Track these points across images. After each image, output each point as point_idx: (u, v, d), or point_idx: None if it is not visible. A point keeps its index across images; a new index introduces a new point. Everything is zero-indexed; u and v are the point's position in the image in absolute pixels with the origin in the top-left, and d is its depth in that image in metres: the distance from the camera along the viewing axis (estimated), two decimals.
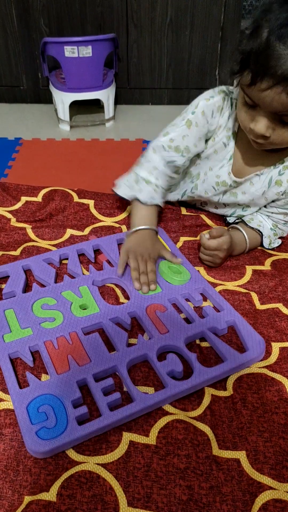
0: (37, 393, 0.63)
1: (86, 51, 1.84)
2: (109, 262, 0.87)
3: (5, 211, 0.99)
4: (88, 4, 1.98)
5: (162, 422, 0.62)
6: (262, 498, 0.55)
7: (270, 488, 0.56)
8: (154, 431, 0.61)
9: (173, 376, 0.67)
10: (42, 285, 0.82)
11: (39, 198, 1.04)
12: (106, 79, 1.99)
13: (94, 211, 1.01)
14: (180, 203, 1.05)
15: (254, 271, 0.88)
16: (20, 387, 0.64)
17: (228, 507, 0.54)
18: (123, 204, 1.03)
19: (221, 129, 0.87)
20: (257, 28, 0.67)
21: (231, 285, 0.85)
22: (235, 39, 2.03)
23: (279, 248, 0.95)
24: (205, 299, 0.81)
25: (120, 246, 0.91)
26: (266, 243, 0.93)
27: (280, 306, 0.80)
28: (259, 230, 0.92)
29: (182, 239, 0.95)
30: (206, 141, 0.90)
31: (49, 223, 0.98)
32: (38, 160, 1.73)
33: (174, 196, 1.02)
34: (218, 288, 0.83)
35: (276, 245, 0.95)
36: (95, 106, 2.07)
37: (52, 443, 0.58)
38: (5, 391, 0.65)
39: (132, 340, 0.73)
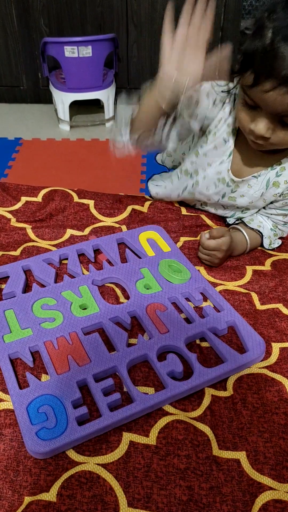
0: (37, 393, 0.63)
1: (86, 51, 1.84)
2: (109, 262, 0.88)
3: (5, 211, 0.99)
4: (88, 4, 1.98)
5: (162, 422, 0.62)
6: (262, 499, 0.55)
7: (270, 488, 0.56)
8: (154, 432, 0.61)
9: (173, 376, 0.67)
10: (42, 285, 0.82)
11: (39, 198, 1.04)
12: (106, 79, 1.99)
13: (94, 211, 1.01)
14: (180, 203, 1.05)
15: (254, 271, 0.88)
16: (20, 388, 0.64)
17: (228, 508, 0.54)
18: (123, 204, 1.03)
19: (221, 123, 0.87)
20: (261, 28, 0.66)
21: (231, 285, 0.85)
22: (235, 39, 2.03)
23: (279, 249, 0.95)
24: (205, 299, 0.81)
25: (120, 246, 0.91)
26: (266, 243, 0.93)
27: (280, 306, 0.80)
28: (259, 231, 0.92)
29: (182, 239, 0.95)
30: (206, 135, 0.89)
31: (49, 223, 0.98)
32: (38, 160, 1.73)
33: (174, 192, 1.02)
34: (218, 288, 0.83)
35: (276, 245, 0.95)
36: (95, 106, 2.08)
37: (52, 444, 0.57)
38: (5, 391, 0.65)
39: (132, 340, 0.73)
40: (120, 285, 0.84)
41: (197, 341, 0.73)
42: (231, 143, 0.87)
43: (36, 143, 1.87)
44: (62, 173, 1.64)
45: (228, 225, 0.99)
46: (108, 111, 2.02)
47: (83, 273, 0.84)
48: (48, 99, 2.17)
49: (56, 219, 0.99)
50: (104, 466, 0.57)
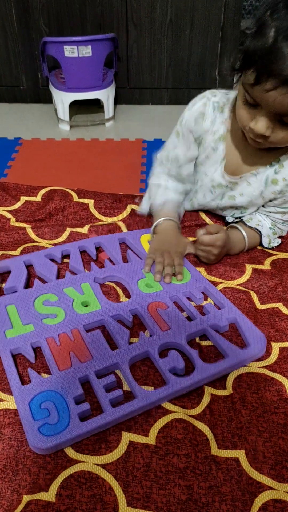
0: (39, 389, 0.63)
1: (86, 51, 1.84)
2: (110, 261, 0.88)
3: (5, 210, 0.99)
4: (88, 3, 1.98)
5: (162, 422, 0.62)
6: (262, 498, 0.55)
7: (270, 488, 0.56)
8: (154, 431, 0.61)
9: (174, 373, 0.67)
10: (44, 281, 0.82)
11: (38, 198, 1.03)
12: (106, 79, 1.99)
13: (93, 211, 1.01)
14: None
15: (254, 270, 0.88)
16: (22, 384, 0.64)
17: (228, 507, 0.54)
18: (122, 203, 1.03)
19: (207, 134, 0.88)
20: (263, 27, 0.66)
21: (231, 284, 0.85)
22: (235, 39, 2.03)
23: (279, 248, 0.95)
24: (205, 298, 0.81)
25: (122, 245, 0.92)
26: (265, 242, 0.93)
27: (280, 306, 0.80)
28: (258, 230, 0.92)
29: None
30: (199, 146, 0.92)
31: (49, 222, 0.98)
32: (37, 160, 1.73)
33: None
34: (219, 287, 0.83)
35: (275, 244, 0.95)
36: (95, 106, 2.08)
37: (55, 439, 0.58)
38: (5, 390, 0.65)
39: (134, 339, 0.73)
40: (121, 284, 0.84)
41: (197, 340, 0.73)
42: (221, 149, 0.88)
43: (36, 143, 1.87)
44: (62, 173, 1.64)
45: (227, 223, 0.99)
46: (108, 111, 2.02)
47: (84, 271, 0.84)
48: (48, 99, 2.17)
49: (55, 218, 0.99)
50: (103, 466, 0.57)
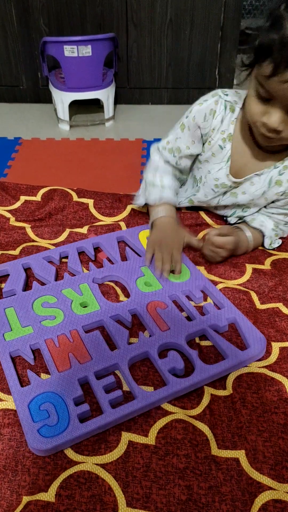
0: (39, 391, 0.63)
1: (86, 51, 1.83)
2: (109, 260, 0.87)
3: (4, 210, 0.99)
4: (88, 3, 1.98)
5: (162, 422, 0.62)
6: (262, 499, 0.55)
7: (270, 488, 0.56)
8: (153, 431, 0.61)
9: (174, 373, 0.67)
10: (42, 283, 0.82)
11: (38, 198, 1.03)
12: (105, 78, 1.98)
13: (93, 211, 1.01)
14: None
15: (254, 270, 0.88)
16: (21, 385, 0.64)
17: (228, 507, 0.54)
18: (122, 203, 1.03)
19: (215, 132, 0.87)
20: (278, 20, 0.66)
21: (231, 284, 0.84)
22: (235, 39, 2.03)
23: (279, 248, 0.95)
24: (205, 297, 0.81)
25: (120, 244, 0.91)
26: (267, 243, 0.93)
27: (280, 305, 0.80)
28: (261, 230, 0.92)
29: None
30: (203, 144, 0.91)
31: (49, 222, 0.97)
32: (37, 160, 1.73)
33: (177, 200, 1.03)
34: (218, 287, 0.83)
35: (276, 245, 0.95)
36: (95, 105, 2.07)
37: (54, 441, 0.57)
38: (4, 390, 0.65)
39: (133, 339, 0.73)
40: (120, 283, 0.84)
41: (197, 340, 0.73)
42: (228, 148, 0.88)
43: (36, 143, 1.87)
44: (61, 172, 1.64)
45: (229, 225, 0.98)
46: (108, 110, 2.01)
47: (83, 271, 0.84)
48: (47, 99, 2.16)
49: (55, 218, 0.98)
50: (103, 466, 0.57)
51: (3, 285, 0.81)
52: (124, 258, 0.88)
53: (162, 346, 0.71)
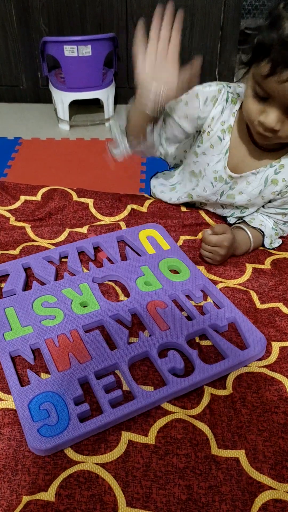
0: (38, 390, 0.63)
1: (86, 51, 1.83)
2: (109, 260, 0.87)
3: (4, 210, 0.99)
4: (88, 3, 1.98)
5: (162, 421, 0.62)
6: (262, 498, 0.55)
7: (270, 488, 0.56)
8: (153, 431, 0.61)
9: (174, 373, 0.67)
10: (42, 283, 0.82)
11: (38, 197, 1.03)
12: (105, 78, 1.99)
13: (93, 210, 1.01)
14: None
15: (254, 269, 0.88)
16: (21, 385, 0.64)
17: (228, 507, 0.54)
18: (122, 203, 1.03)
19: (214, 122, 0.87)
20: (277, 19, 0.66)
21: (230, 283, 0.84)
22: (235, 39, 2.03)
23: (279, 248, 0.95)
24: (205, 297, 0.81)
25: (120, 243, 0.91)
26: (267, 243, 0.93)
27: (280, 305, 0.80)
28: (261, 230, 0.92)
29: (182, 237, 0.95)
30: (200, 133, 0.90)
31: (48, 222, 0.97)
32: (37, 159, 1.73)
33: (174, 195, 1.02)
34: (218, 286, 0.83)
35: (276, 244, 0.95)
36: (95, 105, 2.07)
37: (54, 440, 0.57)
38: (4, 390, 0.65)
39: (133, 339, 0.73)
40: (120, 283, 0.84)
41: (197, 340, 0.73)
42: (227, 140, 0.87)
43: (36, 143, 1.87)
44: (61, 172, 1.64)
45: (229, 225, 0.98)
46: (108, 110, 2.02)
47: (83, 271, 0.84)
48: (47, 99, 2.16)
49: (55, 218, 0.98)
50: (103, 465, 0.57)
51: (3, 285, 0.81)
52: (124, 257, 0.88)
53: (162, 345, 0.71)
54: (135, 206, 1.02)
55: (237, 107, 0.86)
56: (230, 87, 0.86)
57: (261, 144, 0.84)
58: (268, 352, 0.72)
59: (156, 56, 0.79)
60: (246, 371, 0.69)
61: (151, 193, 1.10)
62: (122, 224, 0.98)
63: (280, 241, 0.95)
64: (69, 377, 0.65)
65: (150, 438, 0.60)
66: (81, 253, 0.90)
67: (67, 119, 1.99)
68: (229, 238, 0.84)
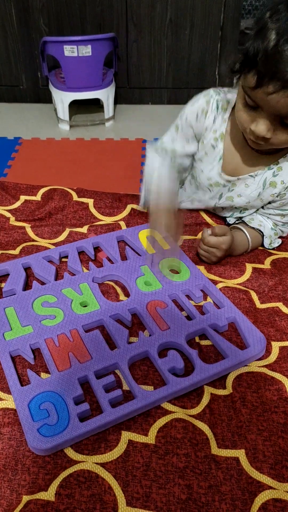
0: (38, 390, 0.63)
1: (86, 51, 1.83)
2: (109, 259, 0.87)
3: (4, 210, 0.99)
4: (88, 3, 1.98)
5: (161, 421, 0.62)
6: (262, 498, 0.55)
7: (270, 487, 0.56)
8: (153, 431, 0.61)
9: (174, 373, 0.67)
10: (42, 283, 0.82)
11: (38, 197, 1.03)
12: (105, 78, 1.99)
13: (93, 210, 1.01)
14: None
15: (254, 269, 0.88)
16: (21, 385, 0.64)
17: (227, 506, 0.54)
18: (122, 203, 1.03)
19: (207, 131, 0.88)
20: (263, 29, 0.66)
21: (230, 283, 0.84)
22: (235, 39, 2.03)
23: (279, 248, 0.95)
24: (205, 296, 0.81)
25: (120, 243, 0.92)
26: (266, 243, 0.93)
27: (280, 305, 0.80)
28: (260, 230, 0.92)
29: (182, 237, 0.95)
30: (198, 142, 0.91)
31: (48, 222, 0.98)
32: (37, 159, 1.73)
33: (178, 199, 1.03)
34: (218, 286, 0.83)
35: (276, 245, 0.95)
36: (95, 105, 2.07)
37: (54, 440, 0.57)
38: (4, 390, 0.65)
39: (133, 339, 0.73)
40: (120, 283, 0.84)
41: (197, 340, 0.73)
42: (220, 148, 0.88)
43: (36, 143, 1.87)
44: (61, 172, 1.64)
45: (228, 225, 0.98)
46: (108, 110, 2.02)
47: (83, 271, 0.84)
48: (47, 99, 2.16)
49: (55, 218, 0.98)
50: (103, 465, 0.57)
51: (3, 284, 0.81)
52: (124, 257, 0.88)
53: (162, 345, 0.71)
54: (135, 206, 1.02)
55: (228, 113, 0.87)
56: (219, 94, 0.87)
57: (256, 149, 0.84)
58: (268, 352, 0.72)
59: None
60: (246, 371, 0.69)
61: None
62: (122, 224, 0.98)
63: (280, 241, 0.95)
64: (69, 377, 0.65)
65: (150, 438, 0.60)
66: (81, 253, 0.90)
67: (67, 119, 1.99)
68: (228, 241, 0.84)
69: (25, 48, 2.09)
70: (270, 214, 0.93)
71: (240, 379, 0.68)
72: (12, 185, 1.06)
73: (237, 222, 0.97)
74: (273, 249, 0.95)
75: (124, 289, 0.82)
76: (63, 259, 0.88)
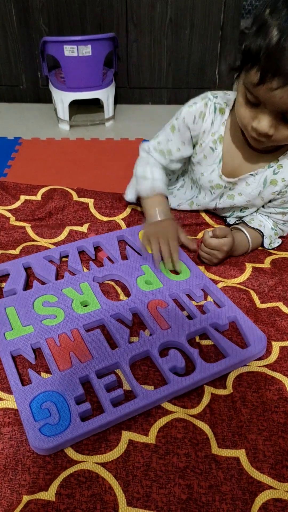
0: (40, 390, 0.63)
1: (86, 50, 1.83)
2: (109, 259, 0.87)
3: (4, 210, 0.99)
4: (88, 3, 1.98)
5: (162, 421, 0.62)
6: (262, 498, 0.55)
7: (270, 487, 0.56)
8: (154, 430, 0.61)
9: (175, 372, 0.67)
10: (43, 283, 0.82)
11: (38, 197, 1.03)
12: (105, 78, 1.98)
13: (93, 210, 1.01)
14: None
15: (254, 269, 0.88)
16: (22, 384, 0.64)
17: (228, 506, 0.54)
18: (122, 203, 1.03)
19: (205, 134, 0.88)
20: (264, 26, 0.66)
21: (230, 283, 0.84)
22: (235, 39, 2.03)
23: (279, 247, 0.95)
24: (205, 296, 0.81)
25: (120, 242, 0.91)
26: (266, 243, 0.93)
27: (280, 305, 0.80)
28: (260, 230, 0.92)
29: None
30: (194, 146, 0.91)
31: (49, 222, 0.97)
32: (37, 159, 1.73)
33: (173, 200, 1.03)
34: (218, 285, 0.83)
35: (276, 244, 0.95)
36: (95, 105, 2.07)
37: (56, 440, 0.57)
38: (4, 389, 0.65)
39: (134, 338, 0.73)
40: (121, 282, 0.84)
41: (197, 339, 0.73)
42: (219, 150, 0.88)
43: (36, 143, 1.87)
44: (61, 172, 1.64)
45: (228, 225, 0.98)
46: (108, 110, 2.01)
47: (83, 270, 0.84)
48: (47, 99, 2.16)
49: (55, 217, 0.98)
50: (103, 465, 0.57)
51: (3, 284, 0.81)
52: (124, 257, 0.88)
53: (163, 344, 0.71)
54: (135, 206, 1.02)
55: (225, 116, 0.86)
56: (216, 97, 0.87)
57: (257, 148, 0.84)
58: (268, 351, 0.72)
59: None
60: (246, 371, 0.69)
61: None
62: (122, 224, 0.98)
63: (280, 241, 0.95)
64: (70, 377, 0.65)
65: (151, 438, 0.60)
66: (81, 252, 0.90)
67: (67, 119, 1.98)
68: (229, 243, 0.84)
69: (25, 48, 2.08)
70: (270, 213, 0.93)
71: (240, 379, 0.68)
72: (12, 185, 1.06)
73: (237, 222, 0.97)
74: (273, 249, 0.95)
75: (124, 288, 0.82)
76: (64, 259, 0.88)
